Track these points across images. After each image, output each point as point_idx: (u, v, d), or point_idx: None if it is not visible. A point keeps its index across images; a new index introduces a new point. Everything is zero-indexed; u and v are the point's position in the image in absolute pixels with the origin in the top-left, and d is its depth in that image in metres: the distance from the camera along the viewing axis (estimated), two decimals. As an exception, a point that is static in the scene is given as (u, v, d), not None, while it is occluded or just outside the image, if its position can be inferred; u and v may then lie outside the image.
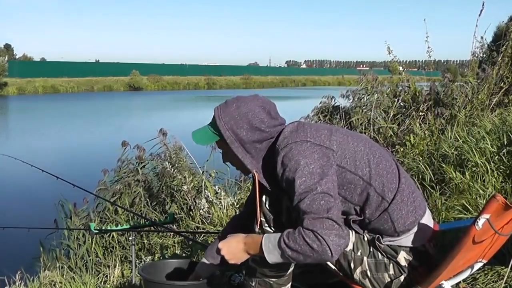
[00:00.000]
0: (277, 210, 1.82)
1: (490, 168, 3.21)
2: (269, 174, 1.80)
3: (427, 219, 1.80)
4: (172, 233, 3.73)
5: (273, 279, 1.84)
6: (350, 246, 1.76)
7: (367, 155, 1.75)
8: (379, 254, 1.76)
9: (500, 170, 3.22)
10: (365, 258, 1.76)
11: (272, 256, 1.61)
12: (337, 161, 1.69)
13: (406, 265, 1.75)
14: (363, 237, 1.78)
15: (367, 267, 1.76)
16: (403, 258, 1.75)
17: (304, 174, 1.61)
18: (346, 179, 1.70)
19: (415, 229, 1.75)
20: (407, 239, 1.76)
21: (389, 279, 1.76)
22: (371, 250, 1.77)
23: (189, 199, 4.28)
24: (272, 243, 1.61)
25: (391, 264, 1.75)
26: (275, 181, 1.77)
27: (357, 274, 1.77)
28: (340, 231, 1.54)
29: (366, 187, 1.72)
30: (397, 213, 1.73)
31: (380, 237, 1.76)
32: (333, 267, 1.80)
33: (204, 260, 2.10)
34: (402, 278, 1.75)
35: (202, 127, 1.86)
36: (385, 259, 1.75)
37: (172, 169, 4.55)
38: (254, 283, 1.86)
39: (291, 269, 1.86)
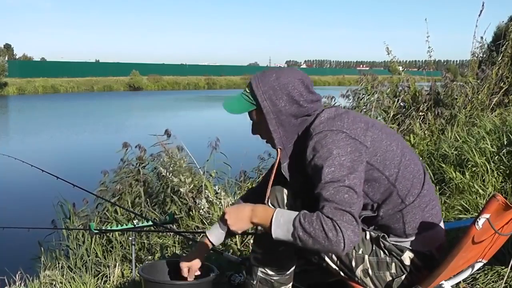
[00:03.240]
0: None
1: (490, 168, 3.21)
2: (294, 155, 1.78)
3: (440, 229, 1.79)
4: (172, 233, 3.73)
5: (275, 278, 1.83)
6: None
7: (398, 156, 1.72)
8: (382, 252, 1.75)
9: (500, 170, 3.22)
10: (366, 257, 1.76)
11: (279, 231, 1.57)
12: (367, 158, 1.66)
13: (409, 265, 1.74)
14: (366, 235, 1.77)
15: (368, 265, 1.75)
16: (408, 257, 1.74)
17: (334, 164, 1.58)
18: (372, 177, 1.68)
19: (424, 235, 1.74)
20: (414, 243, 1.74)
21: (390, 278, 1.75)
22: (374, 248, 1.76)
23: (189, 200, 4.28)
24: (285, 218, 1.58)
25: (393, 263, 1.74)
26: (296, 165, 1.75)
27: (358, 273, 1.77)
28: (357, 229, 1.51)
29: (390, 188, 1.70)
30: (411, 216, 1.72)
31: (386, 236, 1.75)
32: (334, 266, 1.80)
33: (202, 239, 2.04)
34: (403, 277, 1.75)
35: (234, 96, 1.81)
36: (388, 258, 1.75)
37: (169, 174, 4.54)
38: (255, 281, 1.85)
39: (292, 268, 1.85)
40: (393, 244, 1.75)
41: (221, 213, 1.75)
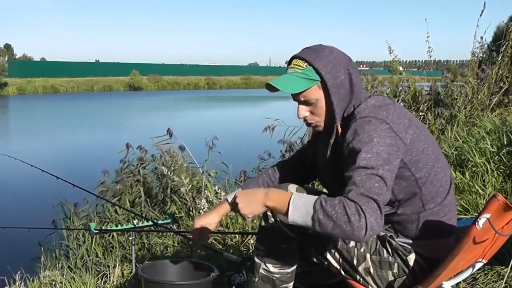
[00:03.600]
0: None
1: (490, 168, 3.22)
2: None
3: (451, 240, 1.77)
4: (172, 233, 3.73)
5: (276, 275, 1.83)
6: (352, 243, 1.75)
7: (431, 161, 1.69)
8: (385, 252, 1.74)
9: (500, 170, 3.23)
10: (368, 255, 1.75)
11: (297, 214, 1.51)
12: (402, 155, 1.63)
13: (413, 266, 1.73)
14: None
15: (370, 264, 1.75)
16: (412, 259, 1.73)
17: (372, 151, 1.54)
18: (402, 175, 1.65)
19: (435, 242, 1.72)
20: (422, 247, 1.73)
21: (392, 278, 1.75)
22: (377, 247, 1.75)
23: (189, 200, 4.28)
24: (304, 201, 1.52)
25: (396, 263, 1.73)
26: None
27: (360, 271, 1.76)
28: (380, 219, 1.45)
29: (415, 191, 1.68)
30: (427, 221, 1.70)
31: (393, 236, 1.74)
32: (336, 264, 1.79)
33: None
34: (405, 277, 1.74)
35: (281, 77, 1.73)
36: (391, 257, 1.74)
37: (169, 173, 4.54)
38: (257, 278, 1.85)
39: (294, 267, 1.85)
40: (400, 245, 1.73)
41: (233, 196, 1.68)
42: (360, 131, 1.60)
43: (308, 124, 1.80)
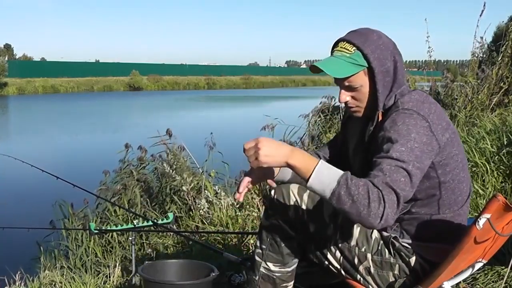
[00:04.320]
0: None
1: (490, 168, 3.22)
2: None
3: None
4: (172, 233, 3.73)
5: (277, 274, 1.83)
6: (353, 242, 1.75)
7: (458, 168, 1.69)
8: (387, 252, 1.73)
9: (500, 170, 3.23)
10: (368, 255, 1.74)
11: (318, 182, 1.47)
12: (434, 157, 1.61)
13: (414, 268, 1.72)
14: (372, 233, 1.74)
15: (370, 263, 1.74)
16: (415, 260, 1.72)
17: (406, 146, 1.52)
18: (427, 175, 1.63)
19: (440, 247, 1.70)
20: (427, 250, 1.72)
21: (393, 279, 1.74)
22: (379, 248, 1.74)
23: (189, 199, 4.28)
24: (330, 172, 1.47)
25: (397, 265, 1.73)
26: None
27: (361, 270, 1.75)
28: (395, 213, 1.44)
29: (435, 193, 1.67)
30: (438, 225, 1.70)
31: (398, 237, 1.73)
32: (336, 264, 1.79)
33: None
34: (406, 278, 1.74)
35: (328, 59, 1.70)
36: (392, 258, 1.73)
37: (172, 171, 4.54)
38: (257, 277, 1.85)
39: (294, 266, 1.85)
40: (403, 246, 1.72)
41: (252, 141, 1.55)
42: (399, 122, 1.58)
43: (348, 109, 1.77)
